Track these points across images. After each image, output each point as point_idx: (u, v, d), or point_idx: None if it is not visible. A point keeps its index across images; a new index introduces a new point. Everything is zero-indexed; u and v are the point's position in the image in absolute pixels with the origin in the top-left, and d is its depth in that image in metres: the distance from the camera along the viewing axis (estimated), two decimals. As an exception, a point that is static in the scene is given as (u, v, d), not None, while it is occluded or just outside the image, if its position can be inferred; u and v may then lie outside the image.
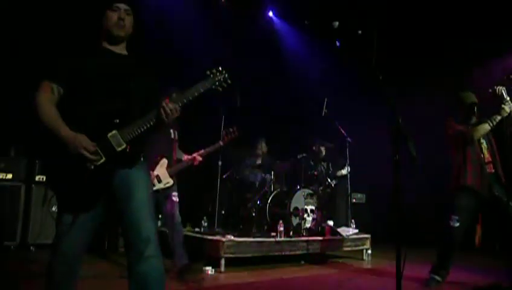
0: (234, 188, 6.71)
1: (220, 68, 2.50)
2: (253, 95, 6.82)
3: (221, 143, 4.83)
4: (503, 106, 3.95)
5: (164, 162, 4.37)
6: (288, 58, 8.64)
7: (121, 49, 2.44)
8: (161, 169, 4.34)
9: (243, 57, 7.28)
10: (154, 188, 4.23)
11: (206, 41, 6.95)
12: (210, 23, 7.14)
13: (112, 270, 4.56)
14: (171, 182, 4.36)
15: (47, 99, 2.20)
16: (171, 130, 4.52)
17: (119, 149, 2.20)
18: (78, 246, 2.26)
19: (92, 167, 2.15)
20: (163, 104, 2.28)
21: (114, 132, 2.20)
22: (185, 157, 4.69)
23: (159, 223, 4.81)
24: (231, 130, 4.93)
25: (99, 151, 2.16)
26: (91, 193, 2.18)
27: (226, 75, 2.50)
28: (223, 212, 6.43)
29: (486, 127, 4.05)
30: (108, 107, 2.23)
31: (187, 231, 5.22)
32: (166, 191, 4.35)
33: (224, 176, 6.57)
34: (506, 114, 3.93)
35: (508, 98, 3.93)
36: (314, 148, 7.35)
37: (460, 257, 4.41)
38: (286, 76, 8.47)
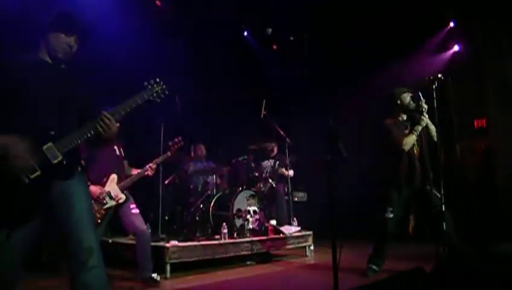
0: (177, 193, 6.69)
1: (158, 79, 2.52)
2: (192, 98, 6.82)
3: (169, 154, 4.89)
4: (422, 116, 4.44)
5: (114, 177, 4.29)
6: (226, 61, 8.70)
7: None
8: (112, 185, 4.25)
9: (183, 61, 7.27)
10: (106, 206, 4.15)
11: (142, 48, 6.84)
12: (145, 28, 7.03)
13: (53, 283, 4.40)
14: (123, 197, 4.29)
15: None
16: (115, 147, 4.46)
17: (55, 161, 2.16)
18: (14, 263, 2.19)
19: (27, 181, 2.10)
20: (100, 117, 2.26)
21: (49, 144, 2.16)
22: (134, 171, 4.65)
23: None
24: (176, 140, 4.99)
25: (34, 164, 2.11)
26: (26, 208, 2.13)
27: (164, 86, 2.52)
28: (167, 218, 6.40)
29: (413, 138, 4.48)
30: (43, 118, 2.19)
31: (130, 240, 5.15)
32: (123, 205, 4.29)
33: (166, 182, 6.54)
34: (425, 124, 4.45)
35: (426, 111, 4.43)
36: (268, 145, 7.50)
37: (396, 246, 4.70)
38: (225, 77, 8.52)
